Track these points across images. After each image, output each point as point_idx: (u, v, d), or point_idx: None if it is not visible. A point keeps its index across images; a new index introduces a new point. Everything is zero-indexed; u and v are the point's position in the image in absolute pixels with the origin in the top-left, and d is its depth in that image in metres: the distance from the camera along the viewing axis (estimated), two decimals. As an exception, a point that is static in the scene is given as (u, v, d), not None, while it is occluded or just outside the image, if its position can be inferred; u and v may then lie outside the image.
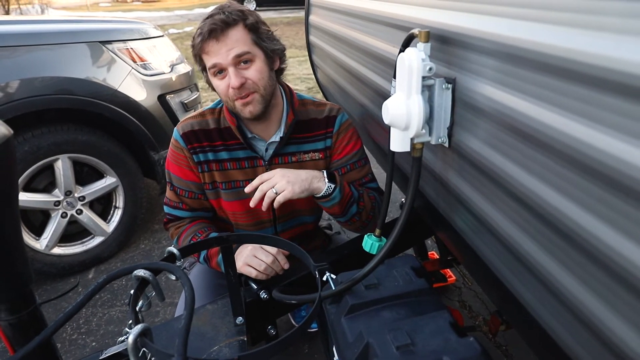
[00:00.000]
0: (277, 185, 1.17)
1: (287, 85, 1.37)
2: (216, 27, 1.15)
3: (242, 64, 1.19)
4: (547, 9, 0.59)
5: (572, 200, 0.56)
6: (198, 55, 1.22)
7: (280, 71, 1.32)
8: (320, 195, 1.23)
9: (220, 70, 1.19)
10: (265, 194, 1.18)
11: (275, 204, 1.17)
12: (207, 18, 1.18)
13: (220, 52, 1.16)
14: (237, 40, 1.17)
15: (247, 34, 1.19)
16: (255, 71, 1.20)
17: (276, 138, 1.32)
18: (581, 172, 0.53)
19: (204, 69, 1.25)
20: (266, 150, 1.34)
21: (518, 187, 0.67)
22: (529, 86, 0.62)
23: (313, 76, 2.73)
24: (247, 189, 1.21)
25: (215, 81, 1.22)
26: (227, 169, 1.33)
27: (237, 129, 1.28)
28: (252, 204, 1.19)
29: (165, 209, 1.42)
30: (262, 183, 1.19)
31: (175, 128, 1.34)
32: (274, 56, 1.27)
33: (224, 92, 1.21)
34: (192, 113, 1.37)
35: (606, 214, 0.51)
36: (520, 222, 0.69)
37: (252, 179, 1.33)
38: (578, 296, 0.58)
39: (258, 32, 1.22)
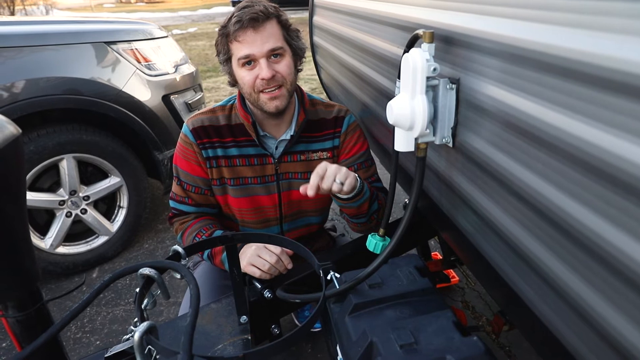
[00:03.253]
0: (338, 176, 1.10)
1: (298, 86, 1.39)
2: (257, 17, 1.16)
3: (273, 57, 1.21)
4: (551, 10, 0.60)
5: (576, 199, 0.56)
6: (226, 44, 1.22)
7: (297, 72, 1.33)
8: (356, 191, 1.19)
9: (250, 62, 1.20)
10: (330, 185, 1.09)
11: (347, 188, 1.11)
12: (244, 8, 1.18)
13: (256, 43, 1.18)
14: (272, 34, 1.20)
15: (280, 30, 1.23)
16: (285, 66, 1.23)
17: (287, 136, 1.34)
18: (586, 171, 0.53)
19: (227, 59, 1.25)
20: (276, 148, 1.36)
21: (522, 186, 0.67)
22: (533, 86, 0.62)
23: (316, 77, 2.73)
24: (310, 192, 1.09)
25: (241, 72, 1.23)
26: (236, 165, 1.34)
27: (251, 126, 1.29)
28: (310, 192, 1.09)
29: (171, 203, 1.43)
30: (319, 181, 1.10)
31: (184, 123, 1.36)
32: (300, 55, 1.30)
33: (249, 84, 1.22)
34: (202, 109, 1.38)
35: (611, 213, 0.51)
36: (524, 222, 0.69)
37: (261, 176, 1.35)
38: (583, 296, 0.58)
39: (289, 30, 1.26)
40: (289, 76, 1.24)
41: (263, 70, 1.19)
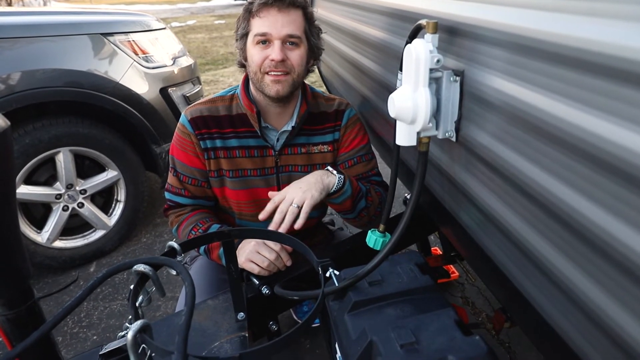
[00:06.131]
0: (295, 199, 1.14)
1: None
2: None
3: (288, 44, 1.20)
4: (561, -2, 0.57)
5: (585, 195, 0.54)
6: (248, 19, 1.22)
7: (307, 71, 1.32)
8: (334, 189, 1.21)
9: (265, 41, 1.19)
10: (286, 213, 1.13)
11: (303, 215, 1.13)
12: None
13: (276, 25, 1.17)
14: (294, 21, 1.20)
15: (304, 21, 1.23)
16: (298, 56, 1.22)
17: (288, 127, 1.33)
18: (595, 166, 0.51)
19: (244, 35, 1.24)
20: (277, 140, 1.34)
21: (528, 182, 0.65)
22: (541, 78, 0.60)
23: (316, 69, 2.70)
24: (262, 216, 1.17)
25: (253, 49, 1.22)
26: (235, 156, 1.32)
27: (255, 116, 1.28)
28: (273, 226, 1.13)
29: (167, 195, 1.40)
30: (276, 206, 1.15)
31: (183, 113, 1.33)
32: (315, 53, 1.30)
33: (258, 63, 1.21)
34: (201, 99, 1.36)
35: (619, 209, 0.49)
36: (529, 218, 0.68)
37: (261, 168, 1.33)
38: (587, 292, 0.57)
39: (311, 25, 1.26)
40: (298, 67, 1.23)
41: (275, 51, 1.18)
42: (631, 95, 0.46)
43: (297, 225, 1.12)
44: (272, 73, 1.20)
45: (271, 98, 1.24)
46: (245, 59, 1.27)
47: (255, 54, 1.21)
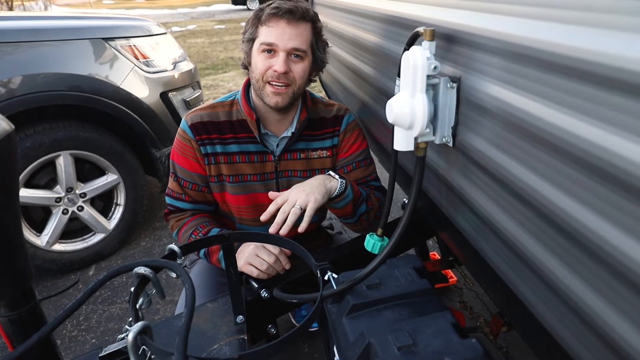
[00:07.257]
0: (299, 201, 1.12)
1: None
2: (295, 12, 1.18)
3: (293, 56, 1.22)
4: (555, 7, 0.59)
5: (579, 201, 0.55)
6: (256, 26, 1.23)
7: (309, 81, 1.34)
8: (335, 194, 1.22)
9: (270, 51, 1.20)
10: (288, 214, 1.11)
11: (307, 218, 1.11)
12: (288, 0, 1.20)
13: (283, 37, 1.18)
14: (301, 35, 1.21)
15: (311, 35, 1.24)
16: (301, 69, 1.23)
17: (288, 133, 1.34)
18: (590, 173, 0.52)
19: (251, 40, 1.25)
20: (277, 145, 1.35)
21: (524, 187, 0.66)
22: (536, 86, 0.61)
23: (316, 75, 2.71)
24: (264, 217, 1.14)
25: (258, 57, 1.23)
26: (235, 162, 1.33)
27: (255, 123, 1.29)
28: (274, 227, 1.10)
29: (167, 199, 1.41)
30: (278, 207, 1.13)
31: (183, 119, 1.34)
32: (319, 65, 1.31)
33: (261, 71, 1.22)
34: (201, 105, 1.37)
35: (614, 216, 0.50)
36: (525, 223, 0.68)
37: (261, 173, 1.34)
38: (583, 298, 0.57)
39: (319, 39, 1.27)
40: (300, 79, 1.24)
41: (278, 63, 1.19)
42: (623, 103, 0.47)
43: (301, 228, 1.11)
44: (274, 84, 1.21)
45: (270, 108, 1.26)
46: (249, 64, 1.28)
47: (259, 61, 1.22)
